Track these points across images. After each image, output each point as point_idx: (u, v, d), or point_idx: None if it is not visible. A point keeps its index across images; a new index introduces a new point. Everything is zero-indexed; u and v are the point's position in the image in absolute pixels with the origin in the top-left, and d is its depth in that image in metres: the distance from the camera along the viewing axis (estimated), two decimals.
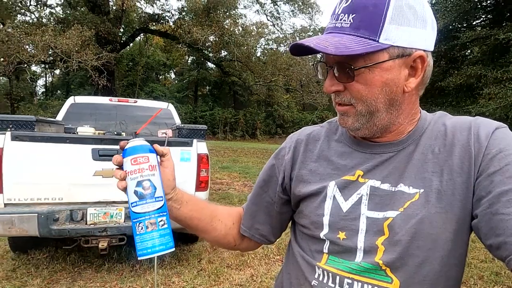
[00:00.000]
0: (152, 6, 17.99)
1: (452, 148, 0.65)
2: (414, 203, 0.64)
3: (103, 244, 2.90)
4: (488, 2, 10.47)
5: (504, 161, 0.58)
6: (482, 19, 11.04)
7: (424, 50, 0.63)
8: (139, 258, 0.67)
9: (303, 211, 0.76)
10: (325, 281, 0.69)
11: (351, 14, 0.61)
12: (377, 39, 0.59)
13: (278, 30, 21.22)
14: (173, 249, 0.69)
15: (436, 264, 0.64)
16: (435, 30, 0.65)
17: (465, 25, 10.58)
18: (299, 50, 0.66)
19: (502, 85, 8.10)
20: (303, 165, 0.78)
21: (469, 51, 11.59)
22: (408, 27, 0.61)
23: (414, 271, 0.63)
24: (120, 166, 0.72)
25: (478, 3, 10.55)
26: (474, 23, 11.07)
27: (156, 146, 0.74)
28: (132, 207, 0.69)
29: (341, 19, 0.62)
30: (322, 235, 0.71)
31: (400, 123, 0.68)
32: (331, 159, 0.75)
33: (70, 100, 4.52)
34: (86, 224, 2.86)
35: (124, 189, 0.71)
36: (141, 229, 0.67)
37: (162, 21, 19.81)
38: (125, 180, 0.71)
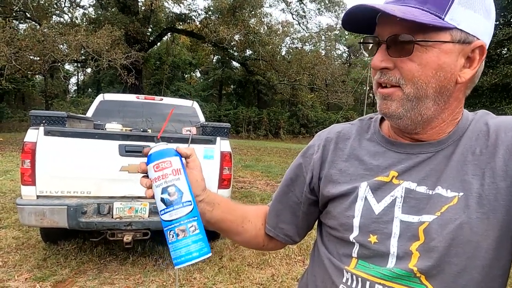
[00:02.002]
0: (180, 5, 18.37)
1: (495, 150, 0.60)
2: (453, 208, 0.60)
3: (128, 237, 2.97)
4: None
5: None
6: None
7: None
8: (175, 268, 0.65)
9: (332, 212, 0.72)
10: (353, 286, 0.66)
11: None
12: (443, 17, 0.56)
13: (303, 29, 21.13)
14: (209, 255, 0.66)
15: (476, 274, 0.59)
16: (493, 25, 0.62)
17: (502, 21, 10.05)
18: (352, 22, 0.63)
19: None
20: (332, 164, 0.74)
21: (506, 49, 10.99)
22: (475, 13, 0.57)
23: (451, 280, 0.59)
24: (146, 174, 0.70)
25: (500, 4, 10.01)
26: (497, 23, 10.52)
27: (180, 148, 0.72)
28: (161, 215, 0.66)
29: None
30: (352, 237, 0.67)
31: (444, 119, 0.64)
32: (362, 159, 0.71)
33: (100, 97, 4.67)
34: (112, 217, 2.94)
35: (152, 197, 0.68)
36: (172, 237, 0.65)
37: (188, 20, 20.16)
38: (151, 188, 0.68)
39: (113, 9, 17.88)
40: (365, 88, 27.49)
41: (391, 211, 0.64)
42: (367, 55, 0.64)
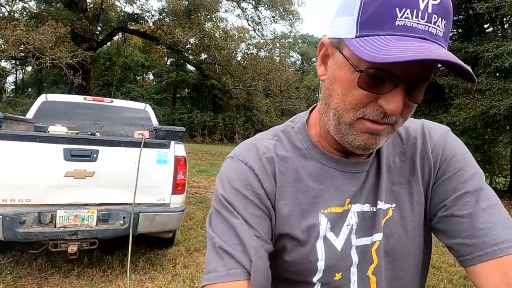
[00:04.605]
0: (132, 5, 17.69)
1: (413, 157, 0.64)
2: (390, 221, 0.61)
3: (72, 248, 2.78)
4: (459, 17, 10.97)
5: (458, 165, 0.61)
6: (453, 33, 11.54)
7: None
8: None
9: (288, 255, 0.61)
10: None
11: (443, 20, 0.47)
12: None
13: (259, 35, 21.40)
14: None
15: (416, 278, 0.65)
16: None
17: None
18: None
19: (472, 96, 8.47)
20: (281, 193, 0.61)
21: None
22: None
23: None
24: None
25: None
26: None
27: None
28: None
29: (435, 23, 0.46)
30: (315, 279, 0.61)
31: None
32: (308, 183, 0.61)
33: (42, 98, 4.34)
34: (55, 227, 2.74)
35: None
36: None
37: (141, 21, 19.51)
38: None
39: (57, 5, 16.76)
40: (317, 95, 28.55)
41: (349, 242, 0.61)
42: (368, 90, 0.49)
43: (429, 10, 0.45)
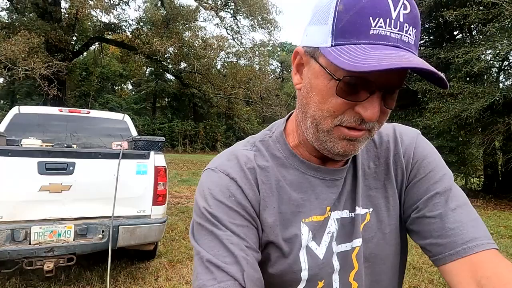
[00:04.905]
0: (108, 15, 17.45)
1: (387, 161, 0.66)
2: (367, 225, 0.63)
3: (48, 265, 2.66)
4: (431, 24, 11.42)
5: (428, 168, 0.63)
6: (425, 40, 12.00)
7: None
8: None
9: (272, 267, 0.61)
10: None
11: (414, 28, 0.48)
12: None
13: (238, 44, 21.51)
14: None
15: (394, 280, 0.67)
16: None
17: None
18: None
19: (445, 100, 8.79)
20: (264, 203, 0.61)
21: None
22: None
23: None
24: None
25: (421, 25, 11.52)
26: (419, 43, 12.06)
27: None
28: None
29: (407, 32, 0.48)
30: None
31: None
32: (289, 193, 0.61)
33: (14, 110, 4.19)
34: (29, 244, 2.63)
35: None
36: None
37: (118, 30, 19.27)
38: None
39: (30, 15, 16.34)
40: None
41: (330, 249, 0.61)
42: (344, 97, 0.50)
43: (401, 19, 0.47)
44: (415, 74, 0.53)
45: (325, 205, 0.61)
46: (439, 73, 0.46)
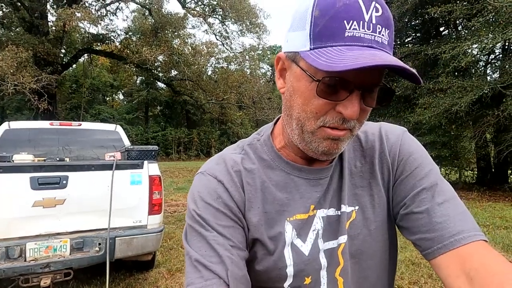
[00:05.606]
0: (96, 26, 17.38)
1: (372, 160, 0.67)
2: (353, 223, 0.64)
3: (45, 281, 2.63)
4: (417, 21, 11.57)
5: (414, 164, 0.64)
6: (412, 36, 12.16)
7: None
8: None
9: (258, 264, 0.64)
10: None
11: (386, 29, 0.51)
12: None
13: (227, 49, 21.56)
14: None
15: (384, 276, 0.67)
16: None
17: (398, 42, 11.57)
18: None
19: (434, 95, 8.90)
20: (249, 203, 0.64)
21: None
22: None
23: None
24: None
25: (408, 23, 11.63)
26: (406, 40, 12.17)
27: None
28: None
29: (380, 33, 0.50)
30: (286, 285, 0.63)
31: None
32: (274, 193, 0.64)
33: (4, 126, 4.14)
34: (25, 261, 2.59)
35: None
36: None
37: (107, 41, 19.22)
38: None
39: (17, 29, 16.23)
40: None
41: (317, 246, 0.63)
42: (324, 98, 0.52)
43: (373, 21, 0.49)
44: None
45: (309, 203, 0.64)
46: (411, 69, 0.48)
